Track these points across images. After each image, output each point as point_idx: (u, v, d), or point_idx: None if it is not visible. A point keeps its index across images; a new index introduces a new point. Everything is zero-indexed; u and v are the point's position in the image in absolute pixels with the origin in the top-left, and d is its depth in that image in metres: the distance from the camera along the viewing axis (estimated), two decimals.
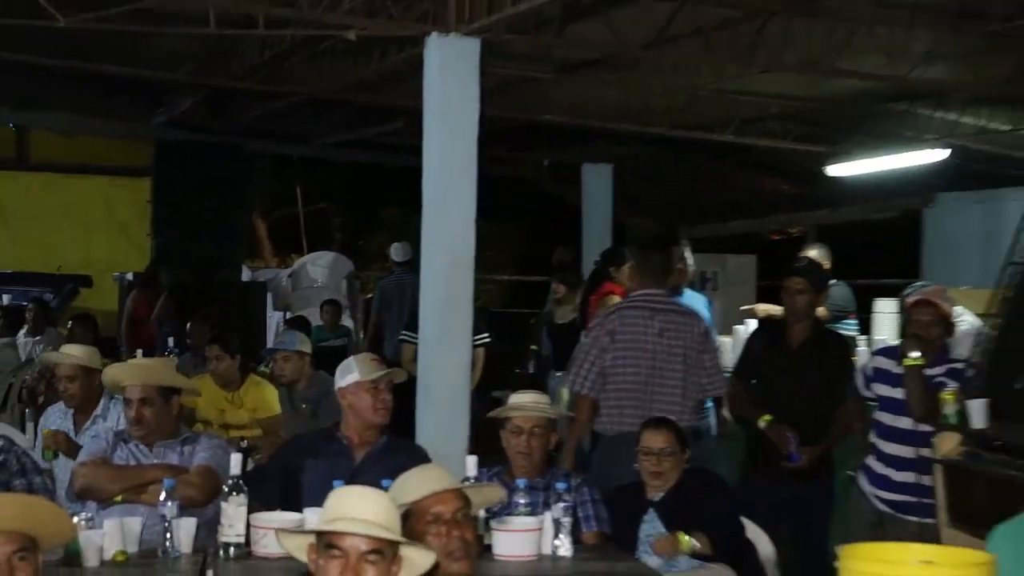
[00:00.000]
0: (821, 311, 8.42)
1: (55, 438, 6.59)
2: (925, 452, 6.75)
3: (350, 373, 5.76)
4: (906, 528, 6.69)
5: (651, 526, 5.84)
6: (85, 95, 15.36)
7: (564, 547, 5.26)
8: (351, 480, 5.08)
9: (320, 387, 8.18)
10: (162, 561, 5.01)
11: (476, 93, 8.49)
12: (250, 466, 6.42)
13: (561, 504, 5.34)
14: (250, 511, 5.10)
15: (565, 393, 7.72)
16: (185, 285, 13.18)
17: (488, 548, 5.11)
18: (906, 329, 7.02)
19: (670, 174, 17.36)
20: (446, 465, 4.78)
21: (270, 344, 10.38)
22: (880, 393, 6.96)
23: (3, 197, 19.12)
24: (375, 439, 5.81)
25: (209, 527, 5.20)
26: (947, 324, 6.92)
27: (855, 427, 7.23)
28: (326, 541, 3.41)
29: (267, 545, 4.94)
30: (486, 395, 9.57)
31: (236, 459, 5.28)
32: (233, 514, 5.04)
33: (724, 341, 8.89)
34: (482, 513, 5.07)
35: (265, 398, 8.39)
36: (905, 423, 6.81)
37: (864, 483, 7.00)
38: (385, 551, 3.41)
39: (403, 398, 8.21)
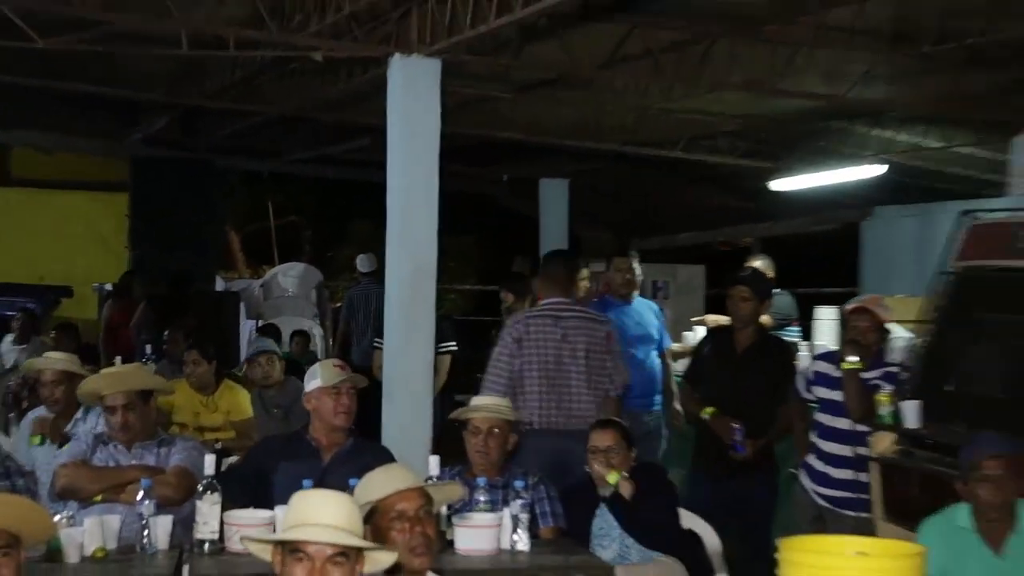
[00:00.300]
0: (766, 319, 8.48)
1: (42, 424, 6.59)
2: (862, 451, 6.80)
3: (314, 379, 5.79)
4: (844, 522, 6.72)
5: (603, 520, 5.86)
6: (64, 114, 15.28)
7: (522, 542, 5.27)
8: (320, 480, 5.10)
9: (291, 393, 8.23)
10: (140, 557, 5.00)
11: (437, 111, 8.50)
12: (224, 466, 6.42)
13: (519, 501, 5.35)
14: (224, 509, 5.10)
15: None
16: (161, 295, 13.11)
17: (450, 543, 5.13)
18: (845, 335, 7.07)
19: (623, 189, 17.40)
20: (410, 465, 4.80)
21: (243, 350, 10.35)
22: (820, 395, 7.00)
23: None
24: (342, 441, 5.81)
25: (185, 524, 5.19)
26: (883, 330, 6.97)
27: (797, 427, 7.27)
28: (291, 546, 3.38)
29: (240, 541, 4.95)
30: (451, 399, 9.55)
31: (210, 460, 5.28)
32: (207, 512, 5.05)
33: (675, 347, 8.92)
34: (444, 510, 5.09)
35: (238, 402, 8.37)
36: (843, 423, 6.85)
37: (805, 480, 7.03)
38: (350, 552, 3.40)
39: (371, 401, 8.27)
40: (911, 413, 6.55)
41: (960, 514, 4.78)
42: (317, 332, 14.96)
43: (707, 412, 7.12)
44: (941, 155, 12.76)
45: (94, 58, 10.35)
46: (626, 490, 5.79)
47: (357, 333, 12.41)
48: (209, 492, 5.08)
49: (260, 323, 14.88)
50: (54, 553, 4.82)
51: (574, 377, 7.07)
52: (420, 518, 4.11)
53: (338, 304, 14.71)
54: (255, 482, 5.62)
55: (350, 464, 5.42)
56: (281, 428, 7.88)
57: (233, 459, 6.77)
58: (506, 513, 5.31)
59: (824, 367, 7.04)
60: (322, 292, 16.37)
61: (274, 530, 4.73)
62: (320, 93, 11.56)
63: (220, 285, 17.67)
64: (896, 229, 12.99)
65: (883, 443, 6.72)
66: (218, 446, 7.12)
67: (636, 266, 8.51)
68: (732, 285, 7.38)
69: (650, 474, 6.02)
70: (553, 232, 16.31)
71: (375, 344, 9.96)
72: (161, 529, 5.09)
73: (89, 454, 5.64)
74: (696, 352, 7.70)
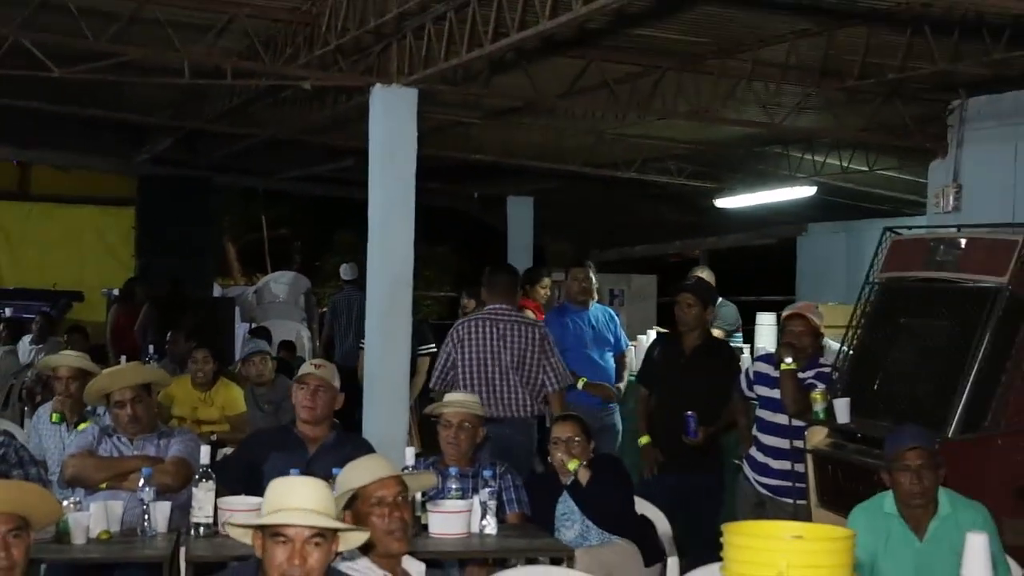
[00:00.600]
0: (718, 333, 8.54)
1: (61, 404, 6.55)
2: (798, 443, 6.79)
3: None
4: (783, 509, 6.72)
5: (565, 506, 5.85)
6: (78, 136, 15.25)
7: (490, 526, 5.27)
8: (306, 469, 5.08)
9: (281, 390, 8.21)
10: (141, 539, 5.02)
11: (414, 135, 8.48)
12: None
13: (487, 489, 5.36)
14: (218, 496, 5.09)
15: None
16: (163, 300, 13.05)
17: (424, 527, 5.12)
18: (782, 339, 7.08)
19: (583, 205, 17.41)
20: (388, 455, 4.79)
21: (237, 350, 10.30)
22: (760, 393, 7.00)
23: (7, 223, 19.10)
24: (326, 433, 5.80)
25: (182, 510, 5.18)
26: (816, 334, 6.98)
27: (740, 422, 7.28)
28: (272, 530, 3.35)
29: (223, 528, 4.94)
30: (429, 397, 9.53)
31: (206, 451, 5.30)
32: (203, 498, 5.05)
33: (630, 348, 8.91)
34: (419, 496, 5.07)
35: (233, 398, 8.33)
36: (781, 419, 6.85)
37: (747, 470, 7.03)
38: (326, 533, 3.38)
39: (354, 398, 8.22)
40: (842, 409, 6.55)
41: (886, 501, 4.78)
42: (305, 334, 14.89)
43: (641, 441, 7.27)
44: (866, 177, 12.80)
45: (105, 86, 10.30)
46: (584, 477, 5.80)
47: (340, 335, 12.40)
48: (205, 480, 5.08)
49: (253, 325, 14.83)
50: (63, 535, 4.83)
51: (510, 373, 7.20)
52: (397, 504, 4.10)
53: (324, 309, 14.66)
54: (247, 471, 5.59)
55: (334, 454, 5.43)
56: (271, 422, 7.84)
57: (227, 450, 6.72)
58: (476, 500, 5.31)
59: (764, 368, 7.04)
60: (310, 298, 16.31)
61: None
62: (309, 118, 11.53)
63: (217, 291, 17.61)
64: (827, 243, 13.07)
65: (817, 437, 6.72)
66: (213, 438, 7.11)
67: (592, 276, 8.51)
68: (678, 293, 7.43)
69: (608, 464, 6.02)
70: (519, 244, 16.29)
71: (360, 345, 9.93)
72: (160, 514, 5.10)
73: (95, 445, 5.63)
74: (647, 355, 7.70)
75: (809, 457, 6.72)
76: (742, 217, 14.92)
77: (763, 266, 15.69)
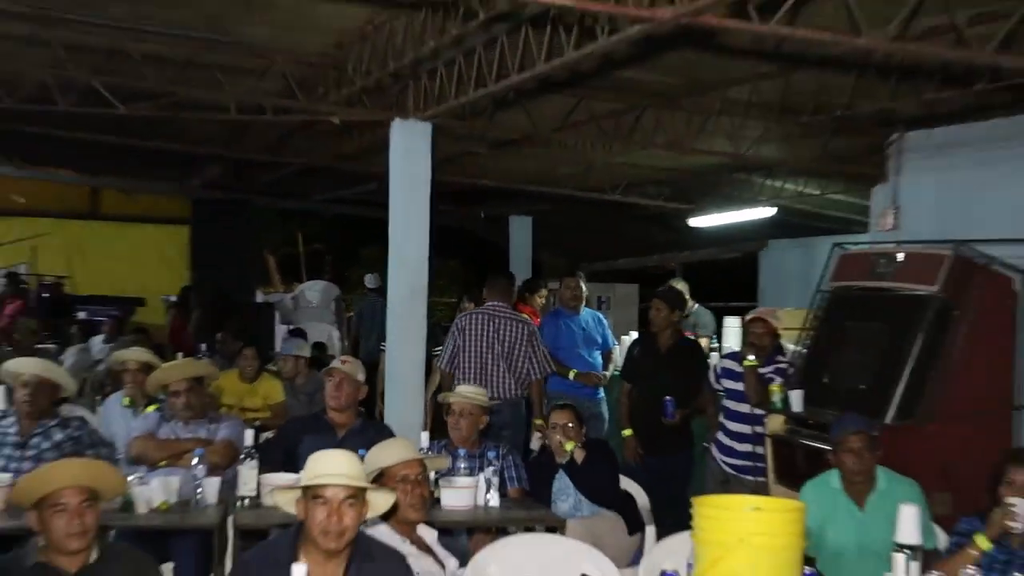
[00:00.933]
0: (704, 341, 8.57)
1: (131, 391, 6.62)
2: (759, 429, 6.84)
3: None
4: (745, 485, 6.76)
5: (560, 483, 5.87)
6: (141, 164, 15.20)
7: (494, 500, 5.30)
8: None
9: (314, 382, 8.24)
10: (194, 509, 5.04)
11: (429, 163, 8.49)
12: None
13: (491, 468, 5.39)
14: (260, 472, 5.13)
15: None
16: (211, 305, 13.05)
17: (437, 501, 5.14)
18: (745, 339, 7.11)
19: (574, 224, 17.38)
20: (407, 438, 4.82)
21: (278, 348, 10.33)
22: (727, 386, 7.04)
23: (81, 240, 19.16)
24: (353, 420, 5.83)
25: (230, 484, 5.20)
26: (775, 335, 7.01)
27: (709, 410, 7.31)
28: (313, 493, 3.40)
29: (270, 494, 4.97)
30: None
31: (250, 434, 5.34)
32: (247, 475, 5.09)
33: (615, 346, 8.93)
34: (433, 474, 5.10)
35: (274, 389, 8.34)
36: (744, 408, 6.89)
37: (715, 452, 7.06)
38: (358, 495, 3.43)
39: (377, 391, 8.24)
40: (796, 400, 6.60)
41: (832, 478, 4.81)
42: (335, 335, 14.85)
43: (624, 433, 7.31)
44: (819, 200, 12.80)
45: (163, 121, 10.31)
46: (579, 456, 5.82)
47: (364, 336, 12.41)
48: (249, 459, 5.13)
49: (291, 327, 14.82)
50: (128, 505, 4.88)
51: (500, 361, 7.37)
52: (418, 481, 4.15)
53: (350, 314, 14.64)
54: (285, 452, 5.63)
55: (360, 438, 5.46)
56: (306, 410, 7.86)
57: (268, 434, 6.76)
58: (481, 477, 5.33)
59: (729, 364, 7.08)
60: (339, 304, 16.25)
61: None
62: (337, 148, 11.54)
63: (260, 297, 17.59)
64: (785, 257, 13.06)
65: (775, 423, 6.76)
66: (257, 424, 7.12)
67: (583, 285, 8.53)
68: (652, 299, 7.49)
69: (598, 448, 6.04)
70: (519, 257, 16.28)
71: (382, 347, 9.94)
72: (211, 488, 5.13)
73: (155, 429, 5.66)
74: (628, 354, 7.73)
75: (768, 441, 6.77)
76: (712, 234, 14.90)
77: (730, 277, 15.64)
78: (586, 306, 8.60)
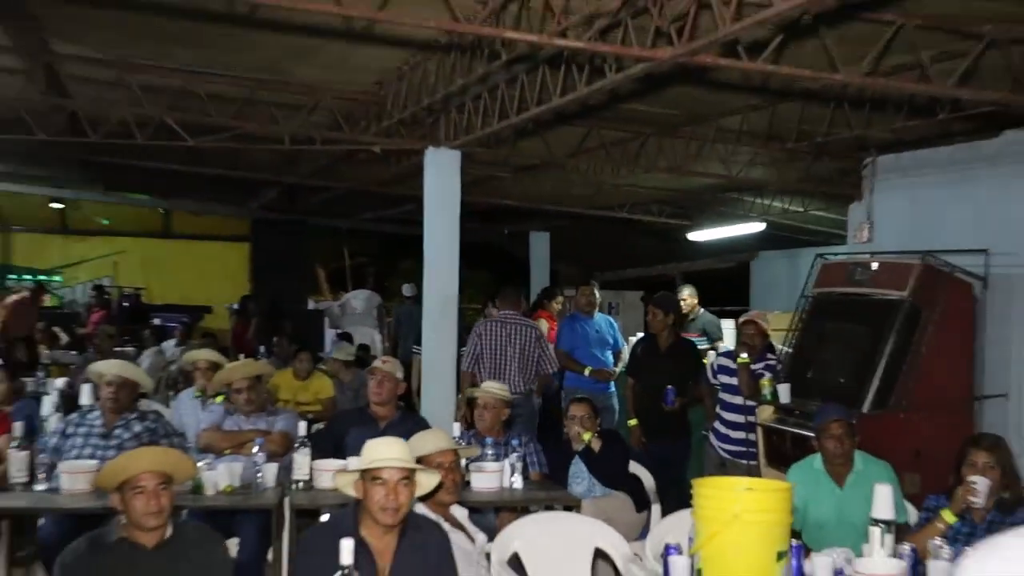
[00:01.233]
0: (718, 346, 8.55)
1: (203, 387, 6.65)
2: (751, 418, 6.82)
3: None
4: (739, 468, 6.74)
5: (576, 468, 5.87)
6: (207, 189, 15.35)
7: (517, 483, 5.31)
8: None
9: (359, 380, 8.24)
10: (255, 491, 5.05)
11: (458, 186, 8.52)
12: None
13: (515, 454, 5.40)
14: (312, 459, 5.13)
15: None
16: (270, 313, 13.11)
17: (468, 484, 5.15)
18: (739, 339, 7.10)
19: (588, 238, 17.40)
20: (442, 429, 4.84)
21: (327, 351, 10.37)
22: (722, 380, 7.02)
23: (155, 255, 19.42)
24: (393, 413, 5.84)
25: (286, 470, 5.21)
26: (765, 336, 6.99)
27: (707, 402, 7.28)
28: (371, 475, 3.42)
29: (323, 481, 5.00)
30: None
31: (303, 426, 5.34)
32: (301, 461, 5.09)
33: (624, 346, 8.91)
34: (464, 461, 5.11)
35: (324, 386, 8.37)
36: (738, 400, 6.87)
37: (713, 439, 7.04)
38: (410, 476, 3.46)
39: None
40: (783, 392, 6.58)
41: (816, 460, 4.79)
42: (377, 338, 14.88)
43: (630, 423, 7.30)
44: (802, 216, 12.76)
45: (227, 152, 10.41)
46: (596, 445, 5.80)
47: (402, 339, 12.44)
48: (302, 448, 5.12)
49: (339, 331, 14.87)
50: (197, 488, 4.90)
51: (513, 361, 7.64)
52: (453, 468, 4.17)
53: (390, 319, 14.69)
54: (333, 442, 5.63)
55: (399, 428, 5.43)
56: (352, 404, 7.89)
57: (319, 426, 6.79)
58: (506, 463, 5.34)
59: (725, 361, 7.06)
60: (381, 311, 16.29)
61: None
62: (378, 174, 11.58)
63: (311, 305, 17.67)
64: (773, 267, 13.03)
65: (765, 413, 6.75)
66: (309, 417, 7.12)
67: (596, 292, 8.52)
68: (649, 304, 7.52)
69: (611, 437, 6.03)
70: (539, 268, 16.30)
71: (414, 350, 9.99)
72: (270, 473, 5.13)
73: (221, 421, 5.68)
74: (632, 352, 7.73)
75: (759, 429, 6.75)
76: (708, 247, 14.89)
77: (725, 284, 15.61)
78: (599, 311, 8.59)
